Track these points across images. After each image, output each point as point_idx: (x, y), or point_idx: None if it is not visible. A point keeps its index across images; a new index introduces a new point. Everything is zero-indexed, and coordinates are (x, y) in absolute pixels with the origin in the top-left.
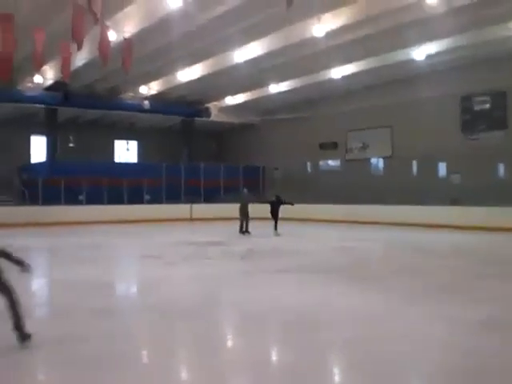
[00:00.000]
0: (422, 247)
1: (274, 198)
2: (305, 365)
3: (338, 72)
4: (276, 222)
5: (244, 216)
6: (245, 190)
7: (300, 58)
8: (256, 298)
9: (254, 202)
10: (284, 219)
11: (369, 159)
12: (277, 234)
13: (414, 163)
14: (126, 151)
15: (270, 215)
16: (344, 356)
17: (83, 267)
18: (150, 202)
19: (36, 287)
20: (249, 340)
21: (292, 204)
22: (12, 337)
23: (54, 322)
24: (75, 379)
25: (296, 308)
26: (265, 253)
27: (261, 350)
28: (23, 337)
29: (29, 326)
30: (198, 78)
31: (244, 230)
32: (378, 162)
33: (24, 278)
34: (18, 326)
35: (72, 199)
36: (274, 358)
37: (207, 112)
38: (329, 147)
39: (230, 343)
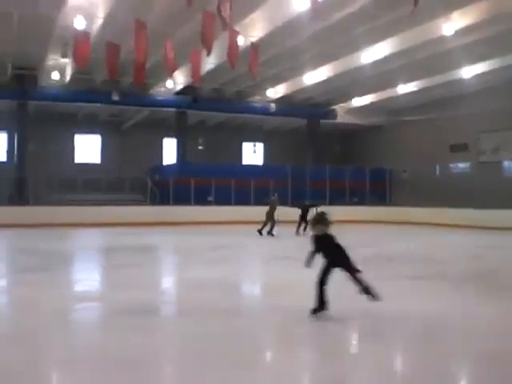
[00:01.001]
0: None
1: (306, 202)
2: (429, 377)
3: (468, 71)
4: (307, 225)
5: (269, 219)
6: (276, 195)
7: (428, 58)
8: (383, 305)
9: (281, 205)
10: (413, 224)
11: (501, 162)
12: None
13: None
14: (252, 153)
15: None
16: (474, 371)
17: (212, 267)
18: None
19: (165, 285)
20: (374, 347)
21: (318, 205)
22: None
23: (181, 320)
24: (202, 378)
25: (424, 316)
26: (392, 258)
27: (384, 358)
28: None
29: (158, 324)
30: (324, 80)
31: (268, 231)
32: (510, 165)
33: (154, 276)
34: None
35: (201, 199)
36: (398, 367)
37: (333, 114)
38: (459, 149)
39: (354, 349)
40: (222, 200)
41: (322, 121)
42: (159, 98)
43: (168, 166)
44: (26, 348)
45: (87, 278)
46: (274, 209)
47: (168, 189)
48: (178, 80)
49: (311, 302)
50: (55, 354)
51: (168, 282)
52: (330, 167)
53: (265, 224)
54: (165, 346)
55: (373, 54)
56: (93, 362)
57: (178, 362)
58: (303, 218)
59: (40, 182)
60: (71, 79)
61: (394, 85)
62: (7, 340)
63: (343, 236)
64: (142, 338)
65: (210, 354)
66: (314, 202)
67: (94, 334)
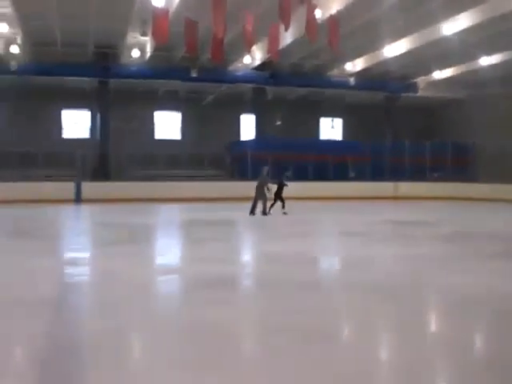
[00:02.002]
0: None
1: (283, 180)
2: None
3: None
4: (275, 202)
5: (260, 196)
6: (265, 168)
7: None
8: (464, 283)
9: (270, 182)
10: (496, 200)
11: None
12: (285, 213)
13: None
14: (330, 128)
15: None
16: None
17: (289, 241)
18: (355, 179)
19: (244, 259)
20: (455, 326)
21: (286, 185)
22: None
23: (260, 292)
24: (281, 350)
25: (510, 297)
26: (474, 236)
27: (466, 337)
28: None
29: (236, 297)
30: (405, 53)
31: (263, 211)
32: None
33: (232, 250)
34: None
35: (278, 175)
36: (477, 346)
37: (414, 87)
38: None
39: (434, 328)
40: (300, 175)
41: (401, 94)
42: (237, 74)
43: (246, 141)
44: (108, 317)
45: (169, 251)
46: (263, 184)
47: (246, 164)
48: (256, 55)
49: (389, 277)
50: (135, 323)
51: (246, 256)
52: (410, 142)
53: (255, 202)
54: (242, 319)
55: (454, 25)
56: (171, 332)
57: (255, 335)
58: (277, 195)
59: (122, 158)
60: (151, 56)
61: (476, 57)
62: (92, 309)
63: (423, 213)
64: (220, 310)
65: (288, 328)
66: (285, 181)
67: (174, 306)
